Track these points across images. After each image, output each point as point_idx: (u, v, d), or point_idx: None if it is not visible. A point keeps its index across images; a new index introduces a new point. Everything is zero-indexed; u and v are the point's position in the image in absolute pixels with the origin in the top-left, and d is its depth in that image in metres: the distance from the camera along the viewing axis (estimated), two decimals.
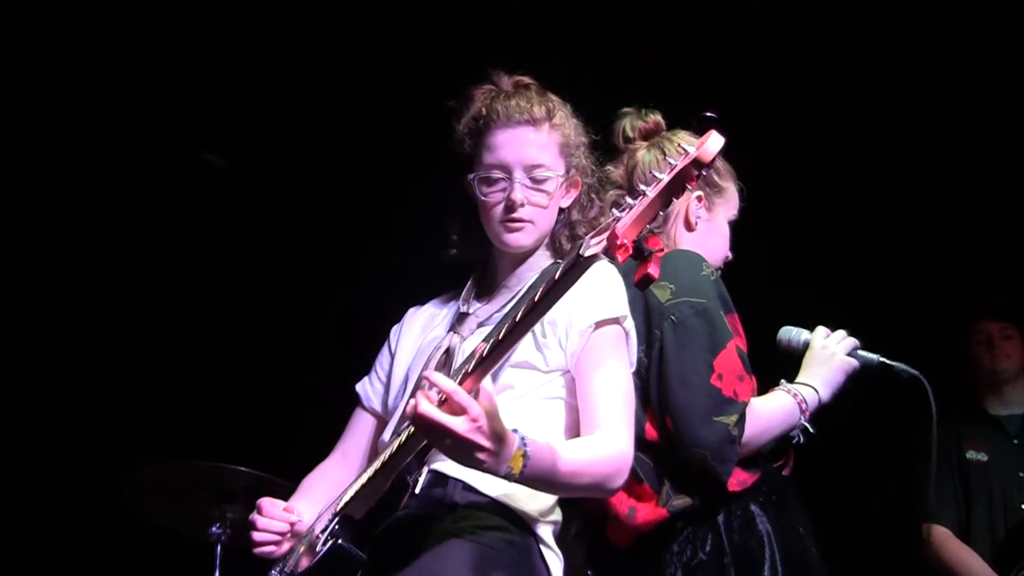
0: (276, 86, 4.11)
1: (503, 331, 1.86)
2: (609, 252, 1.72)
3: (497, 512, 2.02)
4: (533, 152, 2.18)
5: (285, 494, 2.26)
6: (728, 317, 2.37)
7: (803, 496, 2.45)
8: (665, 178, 1.69)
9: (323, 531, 2.05)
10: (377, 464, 2.02)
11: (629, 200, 1.73)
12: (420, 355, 2.25)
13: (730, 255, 2.65)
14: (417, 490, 2.01)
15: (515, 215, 2.17)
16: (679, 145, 1.75)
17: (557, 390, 2.12)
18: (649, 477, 2.31)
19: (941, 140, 3.94)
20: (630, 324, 2.17)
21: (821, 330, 2.56)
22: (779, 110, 3.88)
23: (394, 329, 2.43)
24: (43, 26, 3.83)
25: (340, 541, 1.99)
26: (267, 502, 2.16)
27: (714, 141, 1.68)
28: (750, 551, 2.26)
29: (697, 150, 1.67)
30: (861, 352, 2.54)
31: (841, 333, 2.55)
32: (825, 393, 2.45)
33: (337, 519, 2.04)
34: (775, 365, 2.51)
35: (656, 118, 2.63)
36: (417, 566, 1.95)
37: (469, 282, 2.33)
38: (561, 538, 2.13)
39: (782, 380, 2.46)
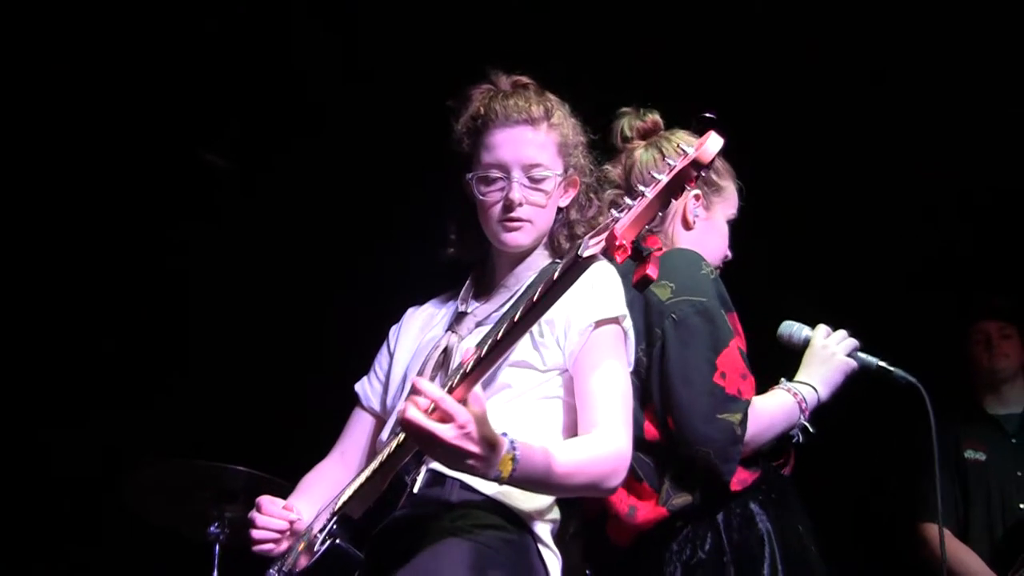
0: (276, 86, 4.11)
1: (501, 331, 1.85)
2: (608, 253, 1.71)
3: (495, 511, 2.01)
4: (531, 151, 2.18)
5: (284, 494, 2.26)
6: (728, 316, 2.37)
7: (803, 496, 2.44)
8: (664, 179, 1.68)
9: (321, 530, 2.05)
10: (375, 464, 2.02)
11: (628, 201, 1.72)
12: (419, 355, 2.25)
13: (729, 254, 2.64)
14: (415, 490, 2.01)
15: (513, 214, 2.17)
16: (677, 145, 1.74)
17: (555, 389, 2.12)
18: (649, 476, 2.31)
19: (941, 140, 3.94)
20: (629, 324, 2.17)
21: (822, 329, 2.55)
22: (779, 110, 3.88)
23: (393, 329, 2.43)
24: (43, 26, 3.83)
25: (338, 541, 1.99)
26: (267, 500, 2.16)
27: (713, 142, 1.67)
28: (750, 550, 2.26)
29: (696, 151, 1.66)
30: (861, 354, 2.53)
31: (842, 333, 2.54)
32: (824, 392, 2.44)
33: (335, 519, 2.04)
34: (774, 364, 2.51)
35: (654, 117, 2.62)
36: (415, 565, 1.94)
37: (467, 282, 2.33)
38: (559, 537, 2.13)
39: (782, 379, 2.46)
